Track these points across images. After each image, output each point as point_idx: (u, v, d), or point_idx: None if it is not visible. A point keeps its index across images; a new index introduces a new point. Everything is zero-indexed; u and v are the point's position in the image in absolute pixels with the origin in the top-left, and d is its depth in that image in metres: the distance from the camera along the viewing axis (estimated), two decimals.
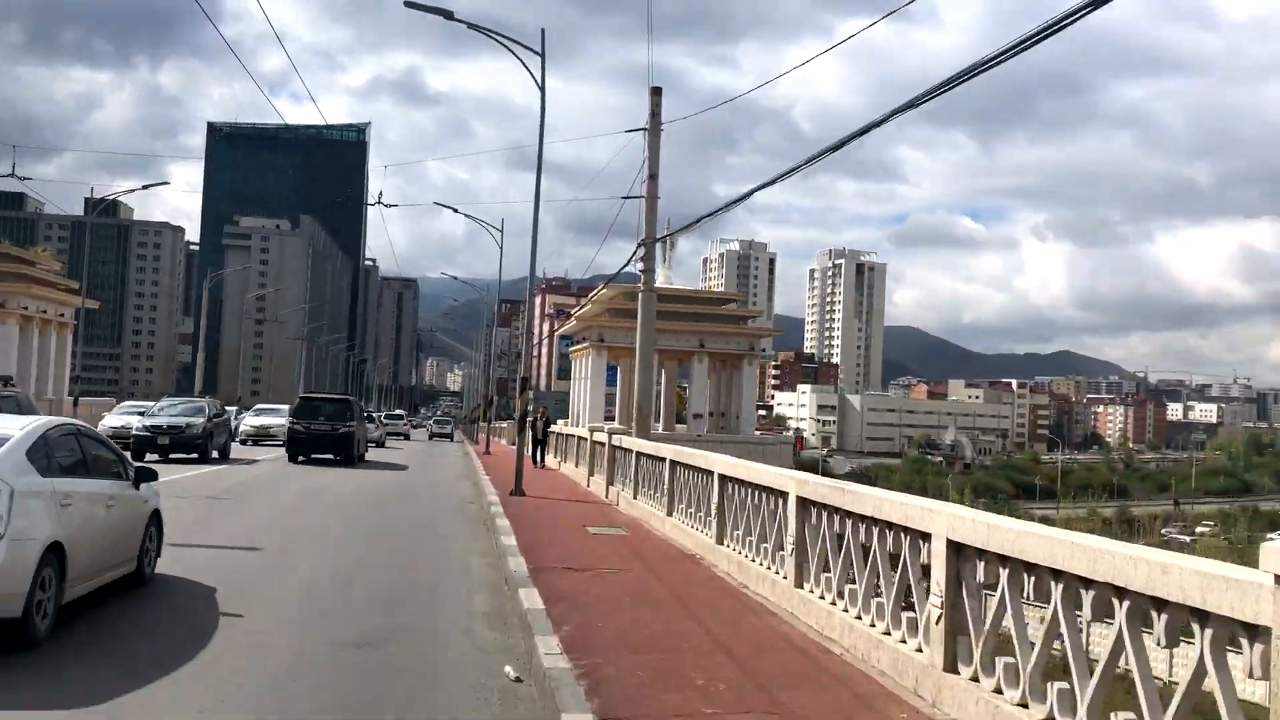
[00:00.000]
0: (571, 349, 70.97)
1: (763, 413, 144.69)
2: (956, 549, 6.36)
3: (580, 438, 28.41)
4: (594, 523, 16.94)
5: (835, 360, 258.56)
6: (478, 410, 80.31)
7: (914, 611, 7.07)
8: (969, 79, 10.23)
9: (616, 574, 11.67)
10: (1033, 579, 5.59)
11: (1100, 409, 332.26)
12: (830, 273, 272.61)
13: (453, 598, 10.67)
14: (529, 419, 27.11)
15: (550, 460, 33.16)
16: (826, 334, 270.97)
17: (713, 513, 12.59)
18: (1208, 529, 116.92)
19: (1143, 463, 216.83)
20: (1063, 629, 5.26)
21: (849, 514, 8.21)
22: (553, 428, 34.55)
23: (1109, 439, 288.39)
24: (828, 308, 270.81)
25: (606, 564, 12.36)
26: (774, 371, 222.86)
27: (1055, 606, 5.32)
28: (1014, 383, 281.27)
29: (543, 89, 22.43)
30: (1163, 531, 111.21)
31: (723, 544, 12.25)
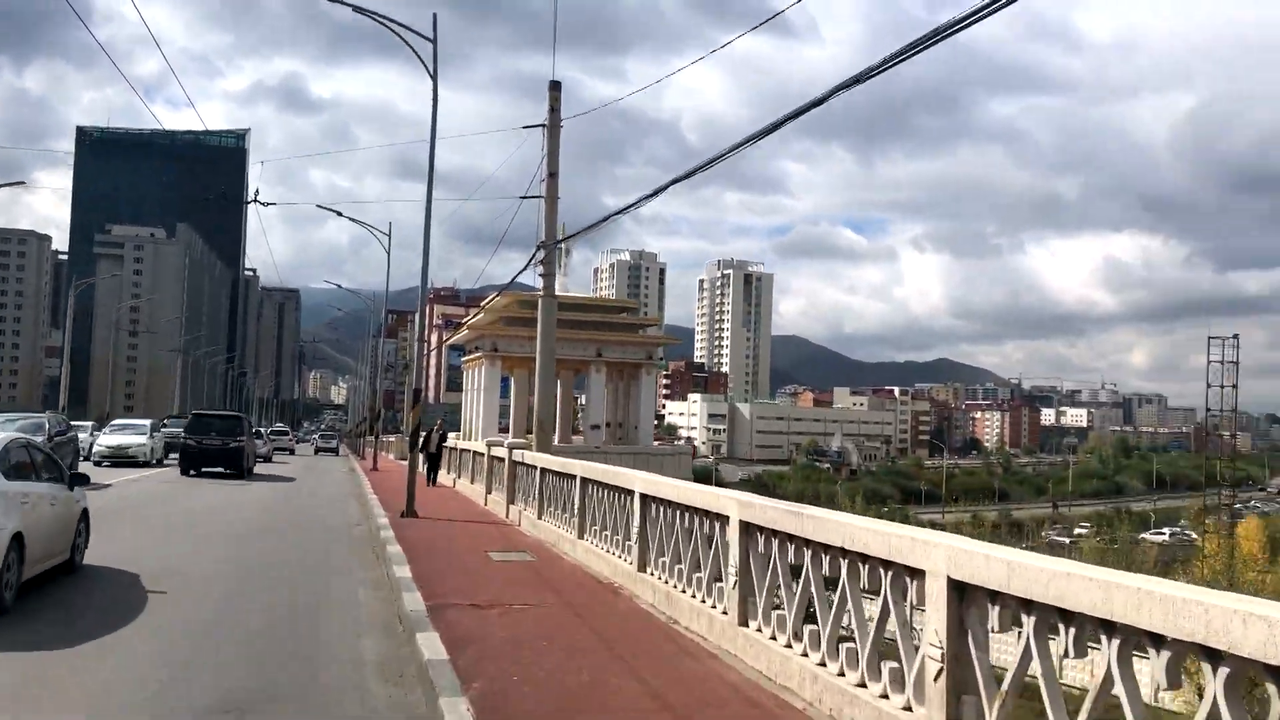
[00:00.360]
0: (464, 359, 68.90)
1: (655, 422, 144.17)
2: (959, 589, 5.27)
3: (477, 453, 26.85)
4: (496, 547, 15.52)
5: (725, 369, 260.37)
6: (363, 424, 77.54)
7: (898, 660, 5.96)
8: (842, 92, 10.54)
9: (528, 610, 10.32)
10: (1072, 630, 4.52)
11: (978, 415, 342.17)
12: (719, 283, 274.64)
13: (339, 643, 9.20)
14: (422, 433, 25.44)
15: (444, 477, 31.41)
16: (716, 343, 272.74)
17: (633, 537, 11.36)
18: (1086, 530, 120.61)
19: (1020, 466, 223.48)
20: (1126, 707, 4.19)
21: (808, 542, 7.08)
22: (447, 442, 32.74)
23: (987, 444, 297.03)
24: (717, 317, 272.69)
25: (516, 597, 11.00)
26: (665, 381, 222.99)
27: (1111, 663, 4.25)
28: (896, 390, 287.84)
29: (435, 77, 20.94)
30: (1043, 534, 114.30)
31: (646, 572, 11.02)
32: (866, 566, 6.29)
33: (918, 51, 9.36)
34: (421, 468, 25.38)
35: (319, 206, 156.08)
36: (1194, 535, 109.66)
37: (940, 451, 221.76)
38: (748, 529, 8.15)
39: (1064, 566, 4.63)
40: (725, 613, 8.55)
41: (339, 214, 42.56)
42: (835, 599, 6.71)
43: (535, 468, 17.81)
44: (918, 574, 5.65)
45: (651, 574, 10.83)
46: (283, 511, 22.62)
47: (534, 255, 23.36)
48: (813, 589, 7.07)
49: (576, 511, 14.27)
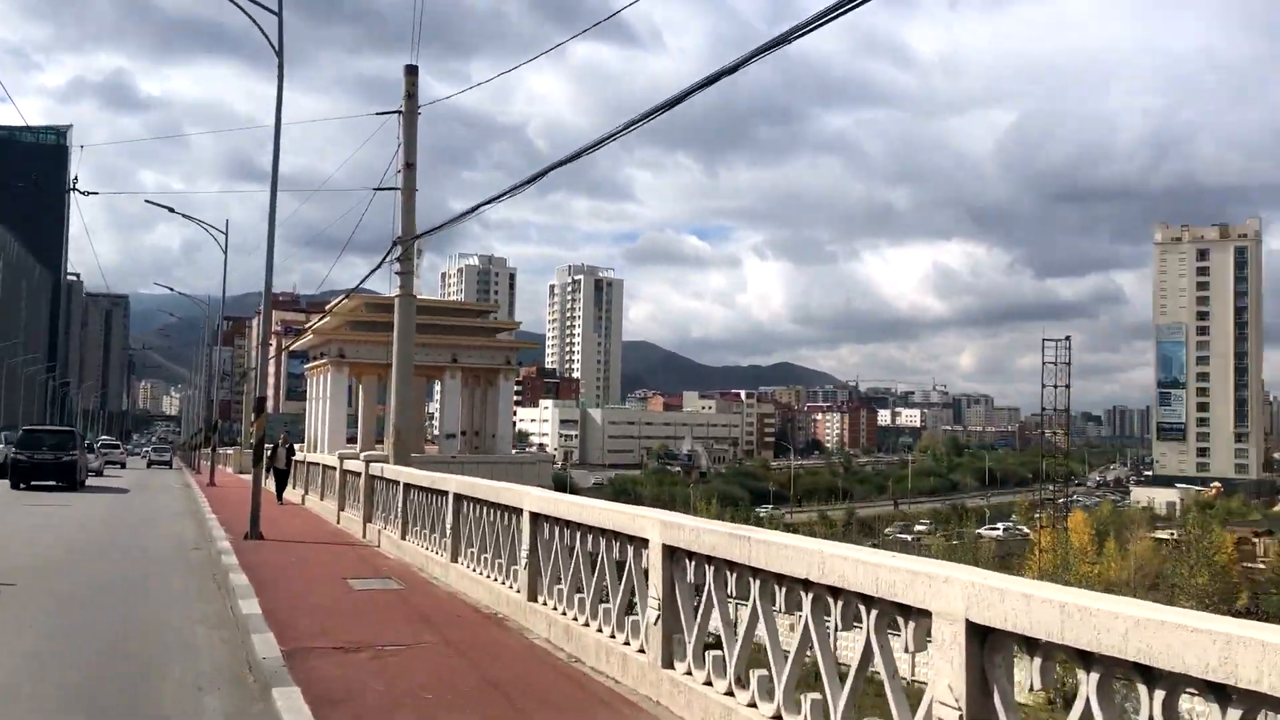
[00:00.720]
0: (308, 366, 65.54)
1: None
2: (980, 635, 4.25)
3: (328, 467, 24.84)
4: (357, 573, 13.91)
5: (576, 375, 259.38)
6: (199, 436, 73.19)
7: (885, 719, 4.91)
8: (682, 101, 10.79)
9: (404, 652, 8.89)
10: (1160, 693, 3.54)
11: (819, 416, 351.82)
12: (570, 288, 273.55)
13: (174, 702, 7.61)
14: (268, 445, 23.34)
15: (291, 493, 29.05)
16: (567, 349, 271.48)
17: (522, 561, 10.06)
18: (925, 527, 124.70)
19: (860, 466, 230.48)
20: None
21: (757, 572, 5.98)
22: (296, 455, 30.25)
23: (828, 444, 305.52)
24: (568, 323, 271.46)
25: (387, 636, 9.53)
26: (516, 387, 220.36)
27: None
28: (742, 393, 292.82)
29: (280, 53, 19.08)
30: (886, 532, 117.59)
31: (538, 601, 9.74)
32: (839, 602, 5.22)
33: (753, 60, 9.62)
34: (268, 483, 23.27)
35: (148, 202, 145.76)
36: (1026, 530, 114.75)
37: (786, 452, 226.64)
38: (673, 554, 7.00)
39: (1142, 611, 3.63)
40: (643, 651, 7.38)
41: (170, 210, 39.60)
42: (796, 641, 5.63)
43: (398, 483, 16.22)
44: (919, 613, 4.61)
45: (545, 604, 9.56)
46: (111, 532, 20.23)
47: (390, 250, 21.70)
48: (763, 626, 5.97)
49: (449, 532, 12.84)
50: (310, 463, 28.77)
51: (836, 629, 5.27)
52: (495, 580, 11.06)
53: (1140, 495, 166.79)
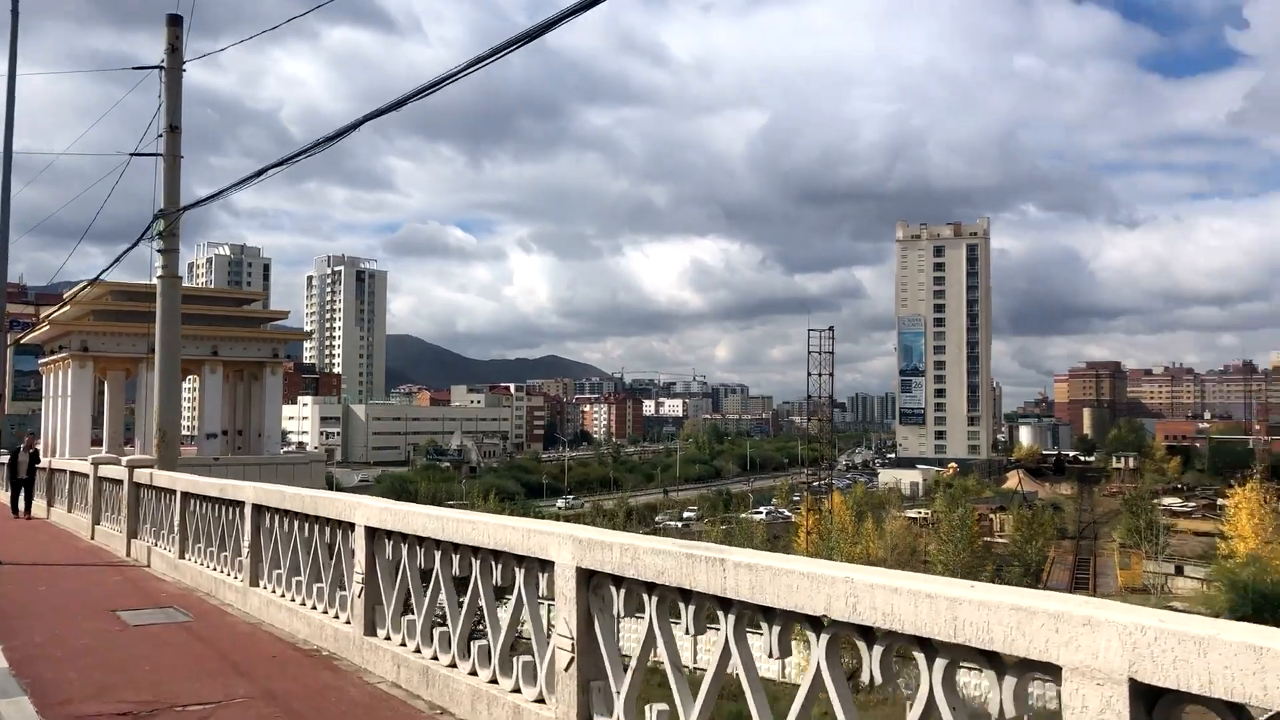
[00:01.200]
0: (43, 362, 58.57)
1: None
2: (588, 577, 3.14)
3: (78, 473, 21.52)
4: (129, 603, 11.55)
5: (337, 369, 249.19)
6: None
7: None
8: (436, 88, 10.85)
9: (219, 713, 6.99)
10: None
11: (587, 408, 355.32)
12: (330, 280, 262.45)
13: None
14: (3, 451, 19.88)
15: (34, 505, 24.95)
16: (327, 343, 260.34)
17: (356, 588, 8.31)
18: (694, 514, 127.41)
19: (628, 456, 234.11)
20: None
21: (730, 603, 4.67)
22: (40, 462, 25.85)
23: (596, 435, 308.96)
24: (328, 316, 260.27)
25: (188, 690, 7.55)
26: None
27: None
28: (511, 386, 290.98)
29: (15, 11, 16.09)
30: (657, 519, 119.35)
31: (379, 636, 8.04)
32: (815, 635, 4.02)
33: (508, 51, 9.80)
34: (4, 494, 19.87)
35: None
36: (786, 512, 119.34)
37: (555, 444, 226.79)
38: (588, 578, 5.58)
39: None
40: (543, 700, 5.93)
41: None
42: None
43: (173, 491, 13.82)
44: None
45: (390, 638, 7.87)
46: None
47: (149, 227, 18.93)
48: (743, 671, 4.66)
49: (247, 550, 10.80)
50: (55, 469, 24.82)
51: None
52: (316, 610, 9.22)
53: (887, 477, 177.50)
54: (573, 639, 5.58)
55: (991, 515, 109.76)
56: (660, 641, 5.10)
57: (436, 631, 7.21)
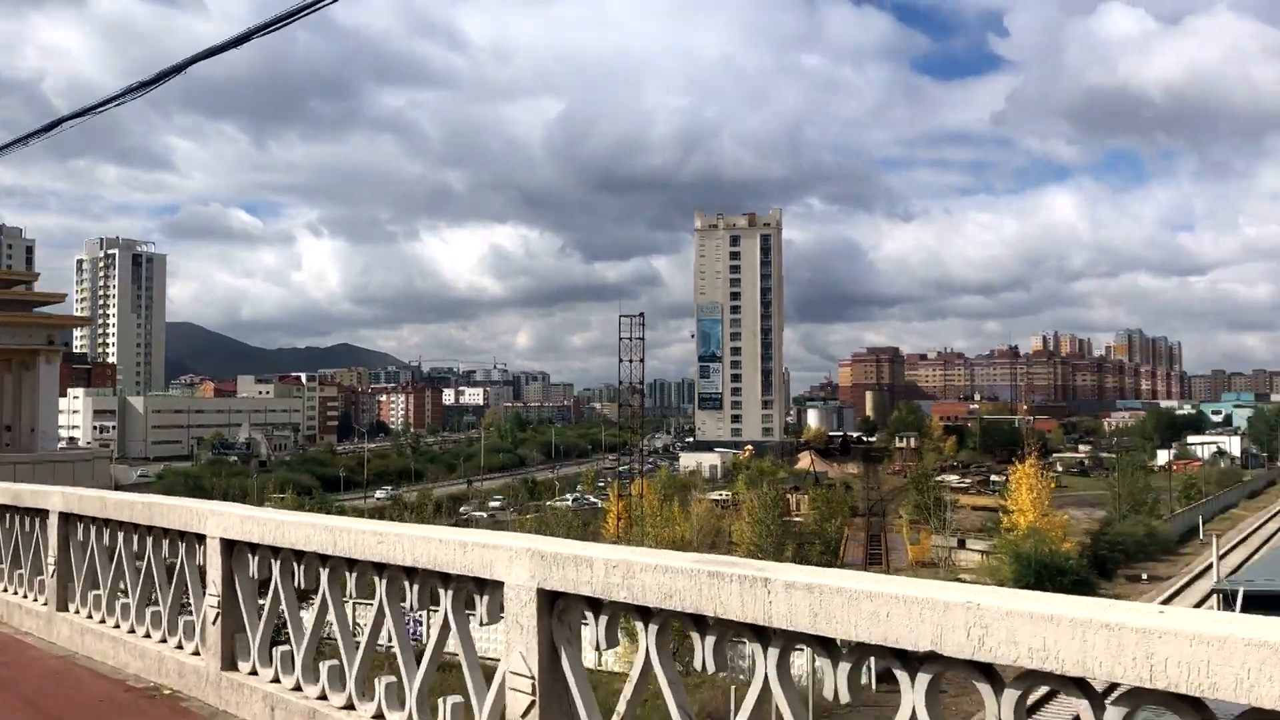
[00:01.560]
0: None
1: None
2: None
3: None
4: None
5: (112, 360, 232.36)
6: None
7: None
8: (206, 58, 10.69)
9: None
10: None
11: (383, 398, 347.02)
12: (103, 263, 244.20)
13: None
14: None
15: None
16: (101, 331, 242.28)
17: (207, 612, 6.88)
18: (500, 503, 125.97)
19: (428, 446, 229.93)
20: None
21: (770, 633, 3.75)
22: None
23: (394, 425, 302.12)
24: (101, 302, 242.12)
25: None
26: None
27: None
28: (302, 376, 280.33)
29: None
30: (460, 511, 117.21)
31: (241, 670, 6.65)
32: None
33: (284, 24, 9.48)
34: None
35: None
36: (593, 499, 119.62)
37: (350, 435, 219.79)
38: (552, 600, 4.53)
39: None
40: None
41: None
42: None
43: None
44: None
45: (259, 673, 6.52)
46: None
47: None
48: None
49: (53, 567, 9.03)
50: None
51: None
52: (151, 639, 7.68)
53: (688, 460, 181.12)
54: (533, 679, 4.51)
55: (789, 495, 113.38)
56: (664, 679, 4.11)
57: (325, 665, 5.95)
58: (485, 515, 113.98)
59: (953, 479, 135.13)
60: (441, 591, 5.18)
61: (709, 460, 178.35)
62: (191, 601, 7.28)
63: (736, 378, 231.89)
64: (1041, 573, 56.91)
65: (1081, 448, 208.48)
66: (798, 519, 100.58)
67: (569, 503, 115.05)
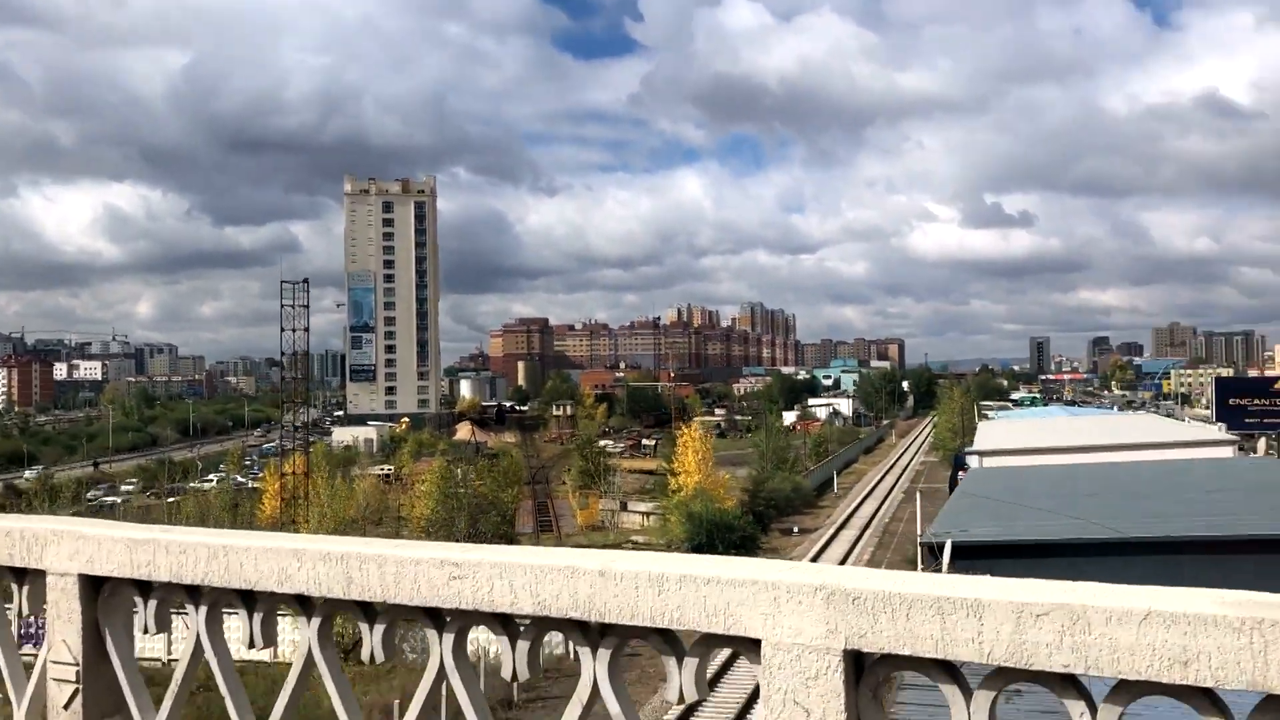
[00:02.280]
0: None
1: None
2: None
3: None
4: None
5: None
6: None
7: None
8: None
9: None
10: None
11: None
12: None
13: None
14: None
15: None
16: None
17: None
18: (134, 487, 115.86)
19: (40, 426, 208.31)
20: None
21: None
22: None
23: None
24: None
25: None
26: None
27: None
28: None
29: None
30: (88, 496, 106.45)
31: None
32: None
33: None
34: None
35: None
36: (240, 478, 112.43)
37: None
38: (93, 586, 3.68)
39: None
40: None
41: None
42: None
43: None
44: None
45: None
46: None
47: None
48: None
49: None
50: None
51: None
52: None
53: (342, 435, 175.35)
54: (77, 666, 3.74)
55: (455, 467, 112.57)
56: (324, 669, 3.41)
57: None
58: (118, 501, 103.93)
59: (606, 444, 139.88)
60: None
61: (364, 434, 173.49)
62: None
63: (391, 349, 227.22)
64: (713, 531, 60.18)
65: (717, 411, 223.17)
66: (460, 489, 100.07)
67: (213, 484, 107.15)
